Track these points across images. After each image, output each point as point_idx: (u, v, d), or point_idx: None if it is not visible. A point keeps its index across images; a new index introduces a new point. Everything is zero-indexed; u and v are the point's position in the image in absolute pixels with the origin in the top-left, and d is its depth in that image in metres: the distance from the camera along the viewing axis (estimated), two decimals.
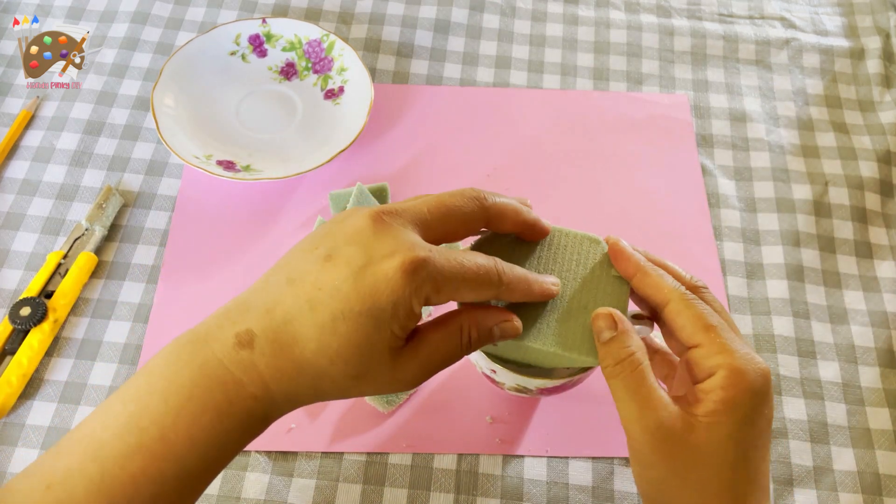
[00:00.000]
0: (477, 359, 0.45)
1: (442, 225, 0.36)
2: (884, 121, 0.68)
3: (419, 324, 0.35)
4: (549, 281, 0.39)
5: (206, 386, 0.32)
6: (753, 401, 0.35)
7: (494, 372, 0.44)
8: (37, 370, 0.53)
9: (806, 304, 0.58)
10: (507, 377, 0.44)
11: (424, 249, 0.33)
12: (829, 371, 0.56)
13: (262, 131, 0.65)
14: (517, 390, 0.46)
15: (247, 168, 0.61)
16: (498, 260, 0.36)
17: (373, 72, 0.70)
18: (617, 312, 0.38)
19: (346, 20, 0.73)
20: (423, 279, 0.32)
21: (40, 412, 0.51)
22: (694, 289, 0.39)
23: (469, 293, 0.35)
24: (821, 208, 0.63)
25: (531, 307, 0.39)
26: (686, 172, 0.65)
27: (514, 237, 0.41)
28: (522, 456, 0.51)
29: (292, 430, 0.51)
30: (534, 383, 0.44)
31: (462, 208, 0.36)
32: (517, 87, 0.70)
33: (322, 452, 0.51)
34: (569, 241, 0.42)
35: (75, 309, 0.55)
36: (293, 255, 0.35)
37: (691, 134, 0.67)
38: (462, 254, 0.35)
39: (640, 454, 0.36)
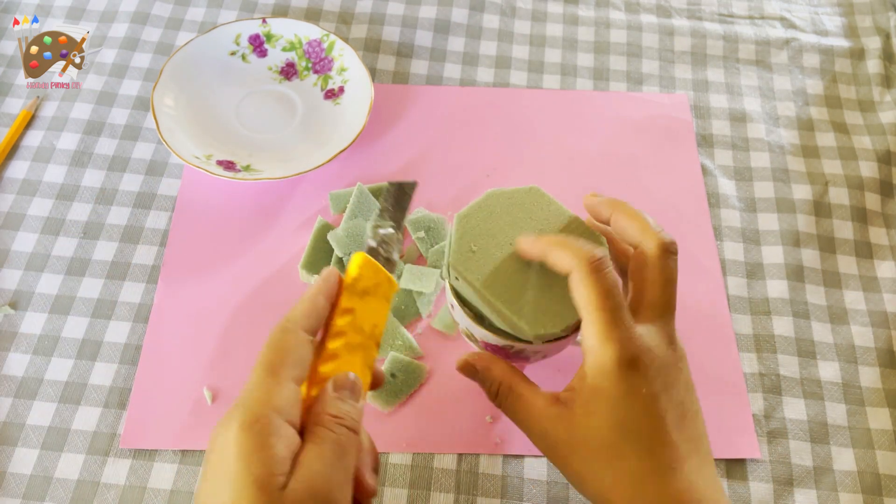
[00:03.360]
0: (452, 300, 0.48)
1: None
2: (884, 121, 0.68)
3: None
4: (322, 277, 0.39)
5: None
6: (615, 382, 0.36)
7: (453, 307, 0.47)
8: (36, 369, 0.53)
9: (806, 304, 0.58)
10: (461, 318, 0.46)
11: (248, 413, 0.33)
12: (829, 371, 0.56)
13: (262, 131, 0.65)
14: (468, 336, 0.49)
15: (247, 168, 0.61)
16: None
17: (373, 72, 0.70)
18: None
19: (347, 20, 0.73)
20: (236, 409, 0.33)
21: (40, 412, 0.51)
22: (663, 247, 0.40)
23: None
24: (821, 208, 0.63)
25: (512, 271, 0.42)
26: (686, 172, 0.65)
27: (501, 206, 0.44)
28: (522, 456, 0.51)
29: None
30: (478, 332, 0.46)
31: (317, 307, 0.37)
32: (517, 87, 0.70)
33: None
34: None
35: (75, 308, 0.55)
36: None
37: (691, 134, 0.67)
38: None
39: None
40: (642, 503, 0.35)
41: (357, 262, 0.39)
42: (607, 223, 0.43)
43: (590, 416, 0.36)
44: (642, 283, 0.40)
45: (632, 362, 0.36)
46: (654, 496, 0.35)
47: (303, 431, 0.34)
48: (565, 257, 0.38)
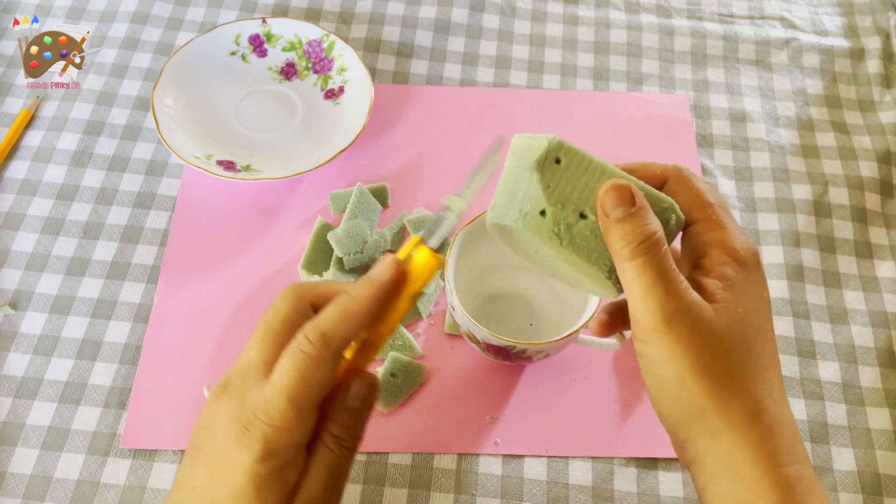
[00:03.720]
0: (454, 302, 0.47)
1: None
2: (884, 121, 0.68)
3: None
4: (380, 270, 0.35)
5: None
6: (749, 273, 0.34)
7: (454, 309, 0.46)
8: (36, 369, 0.53)
9: (806, 304, 0.58)
10: (462, 320, 0.46)
11: (247, 413, 0.32)
12: (829, 371, 0.56)
13: (262, 131, 0.65)
14: (469, 338, 0.49)
15: (247, 168, 0.61)
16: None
17: (373, 72, 0.70)
18: (633, 186, 0.33)
19: (346, 20, 0.73)
20: (254, 441, 0.31)
21: (40, 412, 0.51)
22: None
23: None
24: (821, 208, 0.63)
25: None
26: None
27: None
28: (522, 456, 0.51)
29: None
30: (480, 333, 0.45)
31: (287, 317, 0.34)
32: (517, 87, 0.70)
33: None
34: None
35: (75, 308, 0.55)
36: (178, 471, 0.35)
37: (691, 134, 0.67)
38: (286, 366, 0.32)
39: (657, 352, 0.33)
40: (768, 394, 0.34)
41: (431, 266, 0.35)
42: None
43: (727, 309, 0.33)
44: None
45: (756, 256, 0.35)
46: (772, 394, 0.34)
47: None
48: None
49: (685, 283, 0.33)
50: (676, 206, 0.35)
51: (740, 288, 0.34)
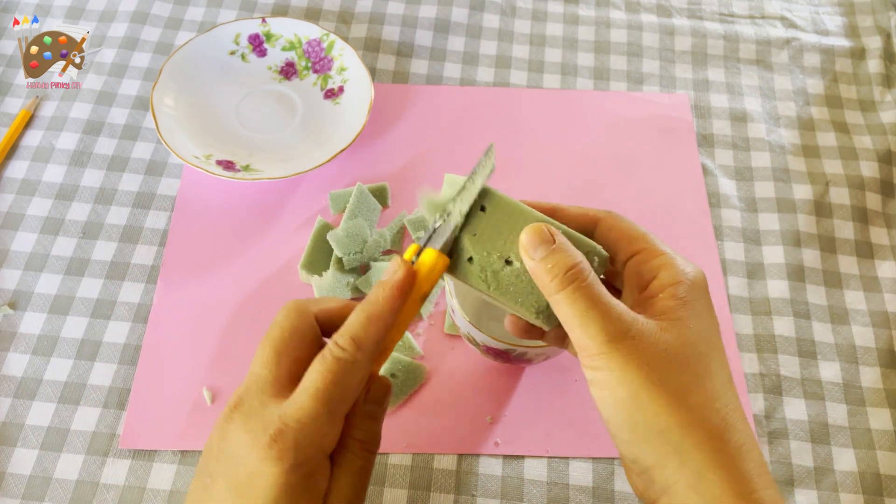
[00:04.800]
0: (454, 305, 0.47)
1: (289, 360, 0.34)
2: (885, 121, 0.68)
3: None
4: (391, 272, 0.35)
5: None
6: (699, 294, 0.35)
7: (454, 312, 0.47)
8: (35, 369, 0.53)
9: (807, 304, 0.58)
10: (462, 323, 0.47)
11: (274, 424, 0.31)
12: (829, 371, 0.55)
13: (262, 131, 0.65)
14: (469, 340, 0.49)
15: (247, 168, 0.61)
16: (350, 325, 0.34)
17: (373, 71, 0.69)
18: (549, 225, 0.35)
19: (346, 20, 0.73)
20: (286, 450, 0.31)
21: (39, 412, 0.51)
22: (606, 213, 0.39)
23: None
24: (821, 208, 0.63)
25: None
26: (686, 172, 0.65)
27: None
28: (522, 456, 0.51)
29: None
30: (479, 336, 0.46)
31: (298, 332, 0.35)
32: (517, 86, 0.70)
33: None
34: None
35: (74, 308, 0.55)
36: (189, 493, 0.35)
37: (692, 134, 0.67)
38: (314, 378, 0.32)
39: (607, 374, 0.32)
40: (732, 411, 0.33)
41: (438, 267, 0.36)
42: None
43: (677, 324, 0.33)
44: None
45: (703, 282, 0.36)
46: (735, 412, 0.33)
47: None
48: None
49: (621, 306, 0.33)
50: (598, 246, 0.37)
51: (691, 306, 0.34)
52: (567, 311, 0.33)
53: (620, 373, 0.32)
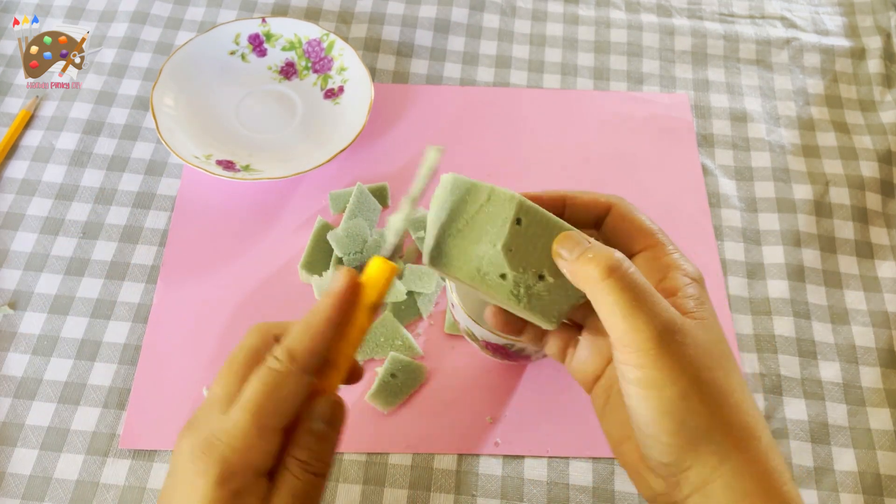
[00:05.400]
0: (453, 299, 0.47)
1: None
2: (885, 120, 0.68)
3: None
4: (333, 281, 0.34)
5: None
6: (706, 295, 0.35)
7: (453, 307, 0.47)
8: (35, 369, 0.53)
9: (807, 304, 0.58)
10: (462, 318, 0.47)
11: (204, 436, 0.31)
12: (829, 371, 0.55)
13: (262, 131, 0.65)
14: (468, 335, 0.50)
15: (246, 168, 0.61)
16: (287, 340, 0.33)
17: (373, 71, 0.69)
18: (580, 232, 0.35)
19: (346, 20, 0.73)
20: (212, 463, 0.30)
21: (39, 412, 0.51)
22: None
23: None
24: (821, 208, 0.63)
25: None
26: (686, 172, 0.65)
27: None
28: (522, 456, 0.51)
29: None
30: (479, 331, 0.46)
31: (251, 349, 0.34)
32: (517, 86, 0.70)
33: None
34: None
35: (74, 308, 0.55)
36: None
37: (692, 134, 0.67)
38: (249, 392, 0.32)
39: (656, 373, 0.31)
40: (755, 408, 0.33)
41: (385, 275, 0.35)
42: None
43: (704, 322, 0.33)
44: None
45: (703, 280, 0.36)
46: (756, 409, 0.33)
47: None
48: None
49: (666, 301, 0.32)
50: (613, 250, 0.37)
51: (708, 305, 0.34)
52: (611, 302, 0.31)
53: (670, 371, 0.31)
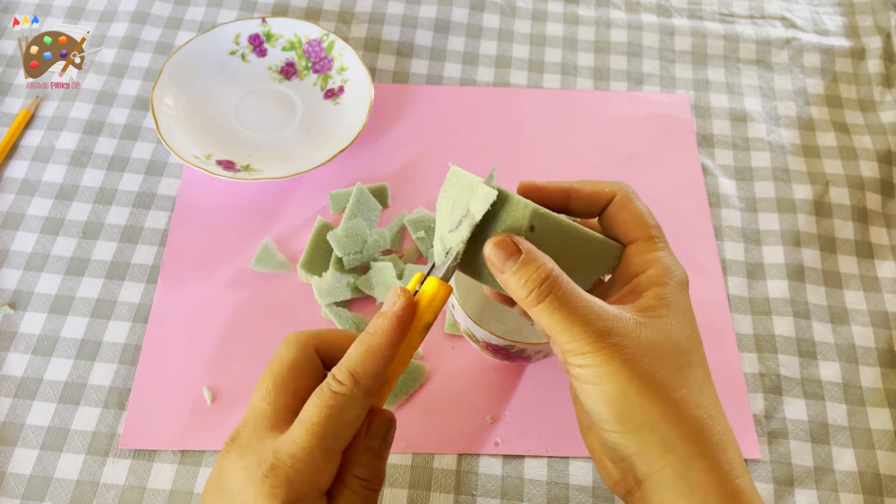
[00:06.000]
0: (454, 300, 0.48)
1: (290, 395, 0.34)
2: (885, 120, 0.68)
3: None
4: (390, 302, 0.35)
5: None
6: (681, 294, 0.35)
7: (454, 307, 0.47)
8: (35, 369, 0.53)
9: (806, 304, 0.58)
10: (462, 318, 0.47)
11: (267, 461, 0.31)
12: (829, 371, 0.56)
13: (262, 131, 0.65)
14: (469, 336, 0.50)
15: (246, 168, 0.61)
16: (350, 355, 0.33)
17: (373, 71, 0.69)
18: (513, 235, 0.34)
19: (346, 19, 0.73)
20: (278, 487, 0.30)
21: (40, 412, 0.51)
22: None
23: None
24: (821, 208, 0.63)
25: None
26: (686, 172, 0.65)
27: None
28: (522, 456, 0.51)
29: None
30: (479, 332, 0.46)
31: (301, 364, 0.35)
32: (517, 86, 0.70)
33: None
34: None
35: (74, 308, 0.55)
36: None
37: (692, 133, 0.67)
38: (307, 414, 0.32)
39: (592, 371, 0.32)
40: (713, 404, 0.34)
41: (440, 295, 0.35)
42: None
43: (671, 326, 0.34)
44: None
45: (687, 283, 0.36)
46: (715, 405, 0.34)
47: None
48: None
49: (601, 305, 0.33)
50: (613, 242, 0.37)
51: (674, 305, 0.35)
52: (547, 322, 0.33)
53: (607, 367, 0.32)
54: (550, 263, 0.33)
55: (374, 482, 0.34)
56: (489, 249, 0.34)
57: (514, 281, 0.33)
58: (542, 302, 0.33)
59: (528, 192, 0.38)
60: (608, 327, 0.32)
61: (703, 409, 0.33)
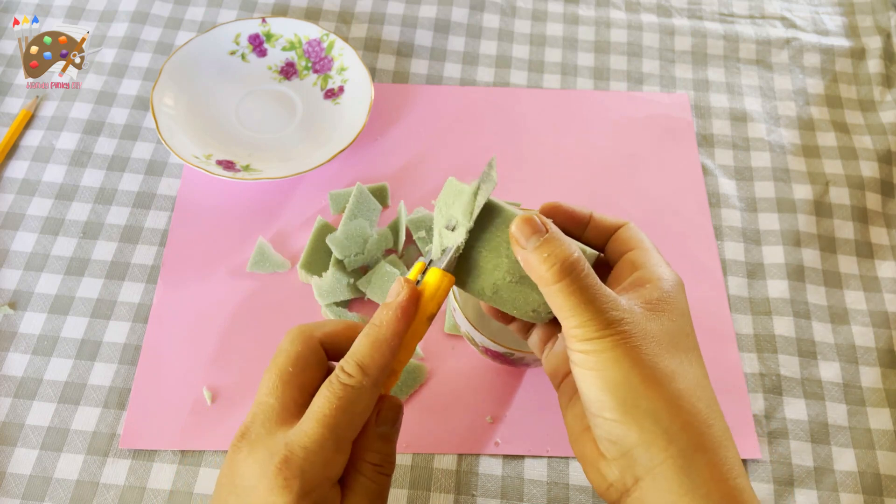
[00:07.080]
0: (456, 307, 0.48)
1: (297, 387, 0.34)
2: (884, 120, 0.68)
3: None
4: (394, 293, 0.35)
5: None
6: (679, 294, 0.36)
7: (455, 311, 0.47)
8: (35, 369, 0.53)
9: (807, 304, 0.58)
10: (463, 323, 0.47)
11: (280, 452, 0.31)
12: (829, 371, 0.56)
13: (262, 131, 0.65)
14: (469, 340, 0.49)
15: (246, 168, 0.61)
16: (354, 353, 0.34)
17: (373, 71, 0.69)
18: (540, 215, 0.35)
19: (346, 19, 0.73)
20: (292, 479, 0.31)
21: (40, 412, 0.51)
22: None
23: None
24: (821, 208, 0.63)
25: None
26: (686, 172, 0.65)
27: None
28: (522, 456, 0.51)
29: None
30: (479, 338, 0.46)
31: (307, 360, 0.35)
32: (517, 86, 0.70)
33: None
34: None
35: (74, 308, 0.55)
36: None
37: (692, 134, 0.67)
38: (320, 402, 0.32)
39: (597, 357, 0.33)
40: (713, 404, 0.34)
41: (443, 285, 0.35)
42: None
43: (673, 323, 0.35)
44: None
45: (683, 286, 0.37)
46: (715, 404, 0.34)
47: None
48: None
49: (614, 295, 0.33)
50: (587, 248, 0.37)
51: (675, 304, 0.35)
52: (561, 303, 0.33)
53: (612, 353, 0.32)
54: (574, 246, 0.34)
55: (387, 467, 0.34)
56: (514, 225, 0.34)
57: (535, 256, 0.33)
58: (562, 281, 0.33)
59: (551, 212, 0.39)
60: (619, 317, 0.33)
61: (704, 405, 0.33)
